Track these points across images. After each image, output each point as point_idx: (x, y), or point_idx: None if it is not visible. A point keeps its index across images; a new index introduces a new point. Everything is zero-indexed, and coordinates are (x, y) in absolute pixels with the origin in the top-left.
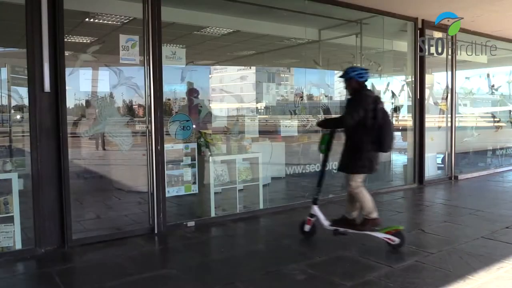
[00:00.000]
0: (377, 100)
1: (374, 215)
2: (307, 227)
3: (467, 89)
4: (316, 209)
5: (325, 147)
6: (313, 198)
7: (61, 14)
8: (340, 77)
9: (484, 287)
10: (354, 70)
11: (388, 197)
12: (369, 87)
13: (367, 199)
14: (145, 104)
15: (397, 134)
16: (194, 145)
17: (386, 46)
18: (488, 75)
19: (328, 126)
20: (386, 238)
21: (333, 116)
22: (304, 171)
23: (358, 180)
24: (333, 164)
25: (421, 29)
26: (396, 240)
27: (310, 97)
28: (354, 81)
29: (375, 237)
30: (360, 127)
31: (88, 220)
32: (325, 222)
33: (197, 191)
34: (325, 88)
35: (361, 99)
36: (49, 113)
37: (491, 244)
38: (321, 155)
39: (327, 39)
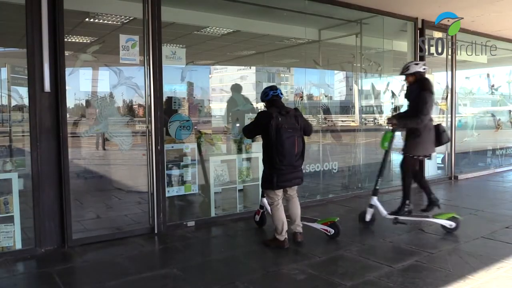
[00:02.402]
0: (277, 115)
1: (281, 237)
2: (256, 217)
3: (467, 89)
4: (264, 201)
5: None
6: (262, 193)
7: (61, 14)
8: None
9: (484, 287)
10: (263, 92)
11: (388, 197)
12: (369, 87)
13: (277, 218)
14: (145, 104)
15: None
16: (194, 145)
17: (386, 46)
18: (488, 75)
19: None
20: (323, 229)
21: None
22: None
23: (270, 195)
24: (333, 164)
25: (421, 29)
26: (332, 230)
27: (310, 97)
28: (265, 101)
29: (314, 228)
30: (264, 144)
31: (88, 220)
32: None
33: (197, 191)
34: (325, 88)
35: (256, 117)
36: (49, 113)
37: (491, 244)
38: None
39: (327, 39)
